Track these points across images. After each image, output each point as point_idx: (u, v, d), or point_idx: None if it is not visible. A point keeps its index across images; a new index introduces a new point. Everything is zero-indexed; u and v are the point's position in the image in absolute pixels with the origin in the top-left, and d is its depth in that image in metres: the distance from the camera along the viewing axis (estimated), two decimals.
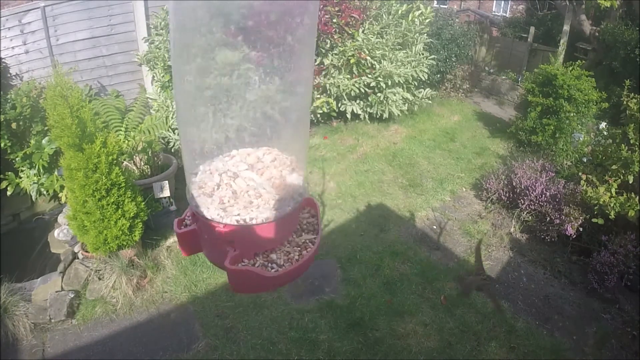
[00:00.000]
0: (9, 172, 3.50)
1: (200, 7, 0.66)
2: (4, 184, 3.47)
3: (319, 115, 4.99)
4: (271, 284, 0.76)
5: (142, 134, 3.91)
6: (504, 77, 7.33)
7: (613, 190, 2.99)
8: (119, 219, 2.60)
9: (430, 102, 5.50)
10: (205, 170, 0.78)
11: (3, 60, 3.97)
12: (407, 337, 2.51)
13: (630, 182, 3.01)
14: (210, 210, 0.73)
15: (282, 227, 0.79)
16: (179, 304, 2.75)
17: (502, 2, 12.56)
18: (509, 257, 3.27)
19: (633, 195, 2.91)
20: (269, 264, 0.76)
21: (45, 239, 3.37)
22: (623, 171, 3.03)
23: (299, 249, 0.81)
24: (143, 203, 2.82)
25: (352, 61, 4.68)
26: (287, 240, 0.82)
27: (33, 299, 2.67)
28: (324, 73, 4.76)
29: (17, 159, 3.47)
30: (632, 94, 3.37)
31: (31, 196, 3.57)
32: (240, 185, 0.74)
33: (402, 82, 4.92)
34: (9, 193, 3.48)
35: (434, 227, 3.58)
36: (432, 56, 5.35)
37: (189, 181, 0.78)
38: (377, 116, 5.19)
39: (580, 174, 3.30)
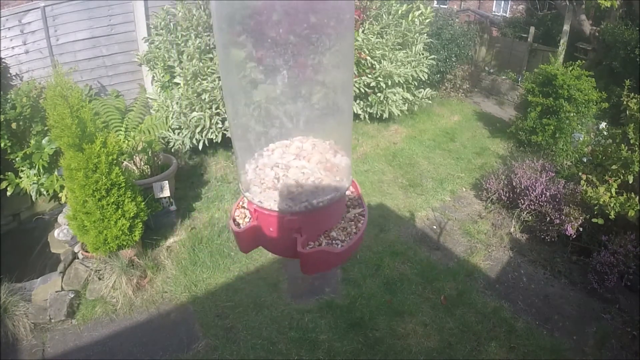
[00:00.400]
0: (9, 172, 3.50)
1: (244, 6, 0.69)
2: (4, 184, 3.47)
3: None
4: (340, 259, 0.81)
5: (142, 134, 3.92)
6: (504, 77, 7.33)
7: (613, 190, 2.99)
8: (119, 219, 2.60)
9: (430, 102, 5.50)
10: (253, 167, 0.82)
11: (3, 60, 3.97)
12: (407, 337, 2.51)
13: (630, 182, 3.01)
14: (279, 202, 0.76)
15: (340, 206, 0.85)
16: (179, 304, 2.75)
17: (502, 2, 12.57)
18: (509, 257, 3.27)
19: (633, 195, 2.91)
20: (332, 242, 0.81)
21: (45, 239, 3.37)
22: (623, 171, 3.03)
23: (353, 223, 0.87)
24: (143, 203, 2.82)
25: None
26: (341, 218, 0.87)
27: (33, 299, 2.67)
28: None
29: (17, 159, 3.47)
30: (632, 94, 3.37)
31: (31, 196, 3.57)
32: (296, 175, 0.77)
33: (402, 82, 4.92)
34: (8, 193, 3.48)
35: (434, 227, 3.58)
36: (432, 56, 5.35)
37: (245, 179, 0.82)
38: (377, 116, 5.19)
39: (580, 174, 3.30)
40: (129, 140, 3.73)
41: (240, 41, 0.72)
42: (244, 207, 0.90)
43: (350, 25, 0.75)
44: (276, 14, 0.67)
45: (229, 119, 0.84)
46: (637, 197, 2.88)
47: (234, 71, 0.77)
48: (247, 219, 0.86)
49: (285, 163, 0.79)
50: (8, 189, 3.48)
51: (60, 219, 3.28)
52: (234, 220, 0.89)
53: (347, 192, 0.95)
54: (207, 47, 4.11)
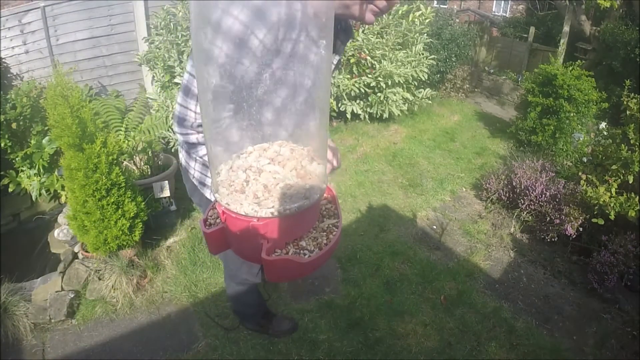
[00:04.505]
0: (10, 171, 3.50)
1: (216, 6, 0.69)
2: (5, 181, 3.47)
3: None
4: (306, 269, 0.79)
5: (142, 134, 3.92)
6: (504, 78, 7.33)
7: (613, 190, 2.99)
8: (119, 219, 2.60)
9: (430, 102, 5.50)
10: (227, 168, 0.80)
11: (3, 60, 3.97)
12: (407, 337, 2.51)
13: (630, 182, 3.01)
14: (244, 206, 0.75)
15: (311, 215, 0.83)
16: (179, 304, 2.75)
17: (502, 2, 12.58)
18: (509, 257, 3.27)
19: (633, 195, 2.91)
20: (301, 251, 0.79)
21: (45, 239, 3.37)
22: (623, 171, 3.03)
23: (325, 233, 0.84)
24: (143, 203, 2.82)
25: (352, 61, 4.68)
26: (312, 227, 0.85)
27: (33, 299, 2.66)
28: None
29: (17, 159, 3.47)
30: (632, 94, 3.37)
31: (31, 196, 3.56)
32: (267, 179, 0.76)
33: (402, 82, 4.92)
34: (10, 190, 3.48)
35: (434, 227, 3.58)
36: (432, 56, 5.35)
37: (215, 181, 0.81)
38: (377, 116, 5.19)
39: (580, 174, 3.30)
40: (129, 140, 3.73)
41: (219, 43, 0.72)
42: (216, 209, 0.89)
43: (327, 29, 0.75)
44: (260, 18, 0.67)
45: (204, 120, 0.83)
46: (637, 197, 2.88)
47: (215, 72, 0.76)
48: (218, 220, 0.85)
49: (259, 167, 0.78)
50: (10, 186, 3.48)
51: (60, 219, 3.28)
52: (206, 220, 0.88)
53: (323, 201, 0.93)
54: None
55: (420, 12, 5.14)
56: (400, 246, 3.27)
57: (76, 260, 2.96)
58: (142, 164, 3.56)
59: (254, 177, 0.76)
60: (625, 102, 3.33)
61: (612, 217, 2.92)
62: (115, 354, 2.45)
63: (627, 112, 3.29)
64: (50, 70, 4.12)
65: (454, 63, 6.58)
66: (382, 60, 4.75)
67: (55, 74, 2.47)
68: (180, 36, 4.19)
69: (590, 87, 4.51)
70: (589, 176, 3.19)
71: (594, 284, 2.88)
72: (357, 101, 5.03)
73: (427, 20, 5.22)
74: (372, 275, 2.97)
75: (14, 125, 3.41)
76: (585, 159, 3.84)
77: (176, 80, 4.13)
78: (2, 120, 3.34)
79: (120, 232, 2.62)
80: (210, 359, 2.38)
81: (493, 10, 12.63)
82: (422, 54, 5.18)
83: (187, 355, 2.41)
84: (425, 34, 5.22)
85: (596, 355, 2.50)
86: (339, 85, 4.67)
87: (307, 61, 0.79)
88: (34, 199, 3.60)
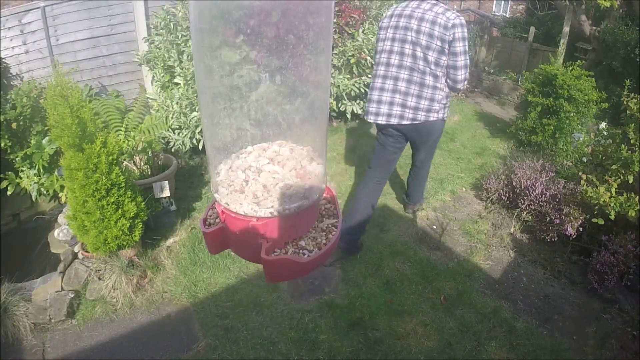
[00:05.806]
0: (9, 172, 3.50)
1: (216, 6, 0.68)
2: (4, 183, 3.47)
3: None
4: (305, 269, 0.79)
5: (142, 134, 3.92)
6: (504, 78, 7.33)
7: (613, 190, 2.99)
8: (119, 219, 2.60)
9: None
10: (227, 168, 0.80)
11: (3, 60, 3.98)
12: (407, 337, 2.51)
13: (630, 182, 3.00)
14: (244, 206, 0.75)
15: (311, 215, 0.84)
16: (179, 304, 2.76)
17: (502, 2, 12.57)
18: (509, 257, 3.27)
19: (633, 195, 2.91)
20: (300, 251, 0.79)
21: (45, 239, 3.37)
22: (623, 171, 3.03)
23: (324, 233, 0.84)
24: (143, 203, 2.82)
25: (352, 61, 4.68)
26: (312, 226, 0.85)
27: (33, 299, 2.67)
28: None
29: (17, 159, 3.47)
30: (632, 94, 3.37)
31: (31, 196, 3.57)
32: (267, 179, 0.76)
33: None
34: (9, 193, 3.48)
35: (434, 227, 3.58)
36: None
37: (214, 180, 0.81)
38: None
39: (580, 174, 3.30)
40: (129, 140, 3.73)
41: (219, 44, 0.72)
42: (215, 208, 0.89)
43: (326, 29, 0.74)
44: (241, 13, 0.67)
45: (204, 120, 0.83)
46: (637, 197, 2.88)
47: (214, 72, 0.76)
48: (218, 220, 0.85)
49: (258, 166, 0.78)
50: (8, 188, 3.48)
51: (60, 219, 3.28)
52: (205, 220, 0.88)
53: (323, 201, 0.93)
54: None
55: None
56: (400, 246, 3.27)
57: (76, 260, 2.96)
58: (142, 164, 3.56)
59: (253, 177, 0.76)
60: (625, 102, 3.33)
61: (612, 217, 2.92)
62: (115, 354, 2.45)
63: (627, 112, 3.29)
64: (50, 70, 4.12)
65: None
66: None
67: (55, 74, 2.47)
68: (180, 36, 4.19)
69: (590, 87, 4.51)
70: (589, 176, 3.19)
71: (594, 284, 2.88)
72: (357, 101, 5.03)
73: None
74: (372, 275, 2.97)
75: (14, 125, 3.41)
76: (585, 159, 3.83)
77: (176, 80, 4.13)
78: (2, 120, 3.34)
79: (120, 232, 2.62)
80: (210, 359, 2.38)
81: (493, 10, 12.62)
82: None
83: (187, 355, 2.41)
84: None
85: (596, 355, 2.50)
86: (339, 85, 4.67)
87: (308, 59, 0.79)
88: (33, 199, 3.60)
